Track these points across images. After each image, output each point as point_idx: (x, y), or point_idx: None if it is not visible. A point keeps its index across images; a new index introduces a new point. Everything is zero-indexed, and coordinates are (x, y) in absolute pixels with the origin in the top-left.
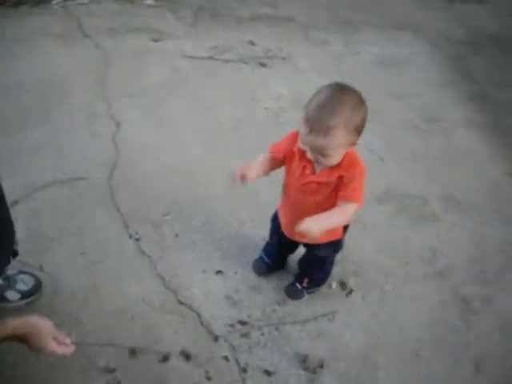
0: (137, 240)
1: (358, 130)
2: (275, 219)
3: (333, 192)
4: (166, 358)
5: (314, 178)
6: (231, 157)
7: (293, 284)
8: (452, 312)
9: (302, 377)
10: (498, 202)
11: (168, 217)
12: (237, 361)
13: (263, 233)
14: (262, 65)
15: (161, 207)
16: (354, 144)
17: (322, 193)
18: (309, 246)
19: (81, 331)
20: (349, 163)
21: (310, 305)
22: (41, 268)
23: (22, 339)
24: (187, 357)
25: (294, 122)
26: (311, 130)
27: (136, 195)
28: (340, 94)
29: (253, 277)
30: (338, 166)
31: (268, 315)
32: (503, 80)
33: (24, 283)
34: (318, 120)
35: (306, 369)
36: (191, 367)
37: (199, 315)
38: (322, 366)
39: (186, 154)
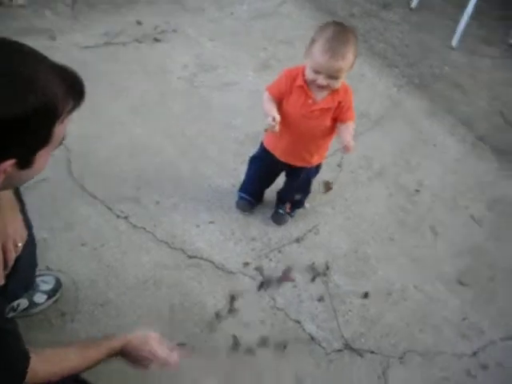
0: (125, 218)
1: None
2: (256, 159)
3: (331, 117)
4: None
5: (319, 105)
6: (170, 125)
7: (276, 212)
8: (400, 199)
9: (317, 282)
10: (397, 111)
11: (141, 190)
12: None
13: (230, 179)
14: (157, 40)
15: (131, 184)
16: (352, 66)
17: (324, 118)
18: (297, 171)
19: (115, 310)
20: (344, 88)
21: (296, 226)
22: (48, 268)
23: (132, 351)
24: (232, 297)
25: (207, 83)
26: (331, 56)
27: (103, 180)
28: (340, 27)
29: (240, 216)
30: (337, 91)
31: (267, 243)
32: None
33: (46, 283)
34: (335, 47)
35: (316, 275)
36: (240, 304)
37: (212, 262)
38: (328, 268)
39: (129, 134)
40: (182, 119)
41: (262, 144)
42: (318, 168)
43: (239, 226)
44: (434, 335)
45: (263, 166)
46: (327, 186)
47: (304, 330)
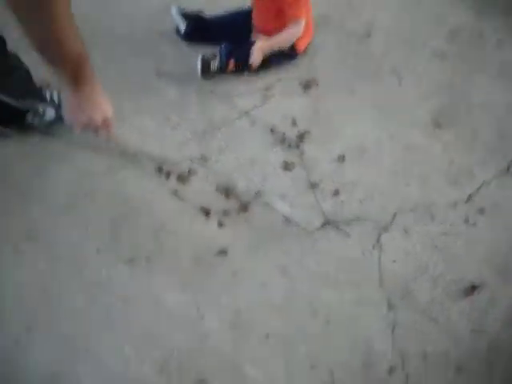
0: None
1: None
2: None
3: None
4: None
5: None
6: None
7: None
8: (351, 46)
9: (276, 152)
10: None
11: None
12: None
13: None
14: None
15: None
16: None
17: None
18: None
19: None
20: None
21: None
22: None
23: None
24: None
25: None
26: None
27: None
28: None
29: (172, 97)
30: None
31: (209, 123)
32: None
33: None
34: None
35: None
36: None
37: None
38: (284, 134)
39: None
40: None
41: None
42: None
43: (173, 109)
44: (421, 187)
45: None
46: None
47: (277, 211)
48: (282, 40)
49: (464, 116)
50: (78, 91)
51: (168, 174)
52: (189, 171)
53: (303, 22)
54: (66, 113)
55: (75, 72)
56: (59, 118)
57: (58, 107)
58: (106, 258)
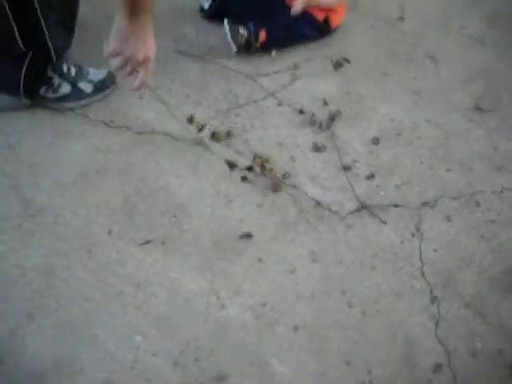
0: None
1: None
2: None
3: None
4: None
5: None
6: None
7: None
8: (385, 29)
9: (306, 133)
10: None
11: None
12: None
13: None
14: None
15: None
16: None
17: None
18: None
19: (52, 217)
20: None
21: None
22: None
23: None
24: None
25: None
26: None
27: None
28: None
29: (193, 77)
30: None
31: (234, 101)
32: None
33: (95, 74)
34: None
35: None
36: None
37: (168, 134)
38: (313, 115)
39: None
40: None
41: None
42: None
43: (194, 87)
44: (464, 174)
45: None
46: None
47: (306, 194)
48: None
49: (508, 101)
50: (132, 20)
51: (184, 152)
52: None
53: None
54: (110, 43)
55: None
56: (73, 94)
57: (73, 83)
58: (118, 239)
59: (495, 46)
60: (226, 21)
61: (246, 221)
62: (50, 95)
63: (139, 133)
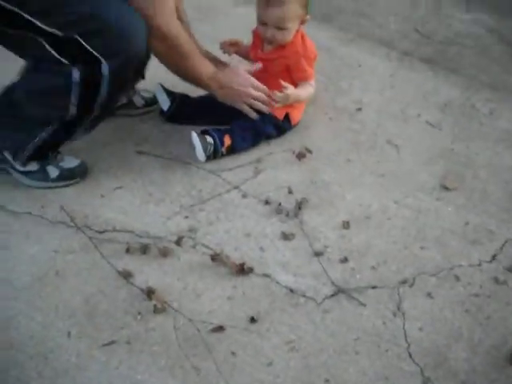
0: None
1: (305, 6)
2: None
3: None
4: None
5: (264, 55)
6: None
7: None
8: (344, 121)
9: (273, 222)
10: None
11: None
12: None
13: None
14: None
15: None
16: (304, 20)
17: (269, 72)
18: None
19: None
20: (294, 48)
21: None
22: None
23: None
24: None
25: None
26: (267, 4)
27: None
28: None
29: (156, 175)
30: (283, 47)
31: (198, 196)
32: None
33: (147, 92)
34: None
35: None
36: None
37: (131, 231)
38: (280, 204)
39: None
40: None
41: None
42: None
43: (157, 186)
44: (439, 250)
45: None
46: None
47: (278, 282)
48: (305, 91)
49: (471, 179)
50: (220, 84)
51: (148, 248)
52: (176, 241)
53: (314, 83)
54: (226, 101)
55: (210, 79)
56: (37, 174)
57: (43, 164)
58: (78, 342)
59: (451, 130)
60: (193, 132)
61: (217, 313)
62: (17, 166)
63: (100, 231)
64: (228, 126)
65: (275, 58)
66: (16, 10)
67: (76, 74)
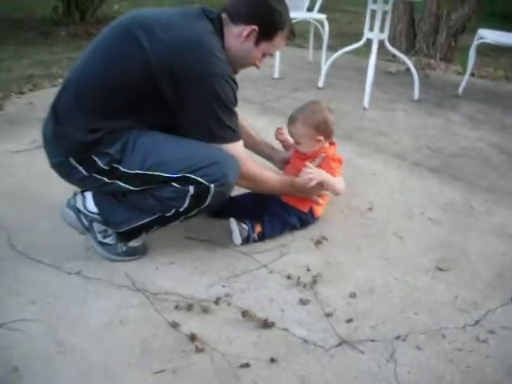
0: (77, 273)
1: (318, 129)
2: None
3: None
4: None
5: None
6: None
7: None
8: (356, 217)
9: (292, 292)
10: None
11: (91, 249)
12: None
13: None
14: None
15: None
16: (318, 140)
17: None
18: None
19: (79, 352)
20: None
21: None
22: None
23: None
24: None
25: None
26: (288, 121)
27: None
28: (310, 102)
29: (202, 254)
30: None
31: (232, 271)
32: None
33: (134, 241)
34: (293, 114)
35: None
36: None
37: (180, 295)
38: (299, 278)
39: None
40: None
41: None
42: (302, 217)
43: (201, 262)
44: (430, 316)
45: None
46: None
47: (294, 335)
48: (340, 183)
49: (463, 262)
50: (297, 189)
51: (193, 307)
52: (215, 302)
53: (341, 179)
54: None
55: (288, 187)
56: (111, 247)
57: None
58: (135, 370)
59: (450, 225)
60: (231, 219)
61: (245, 354)
62: (99, 236)
63: (155, 293)
64: (259, 217)
65: (305, 158)
66: (157, 173)
67: (191, 189)
